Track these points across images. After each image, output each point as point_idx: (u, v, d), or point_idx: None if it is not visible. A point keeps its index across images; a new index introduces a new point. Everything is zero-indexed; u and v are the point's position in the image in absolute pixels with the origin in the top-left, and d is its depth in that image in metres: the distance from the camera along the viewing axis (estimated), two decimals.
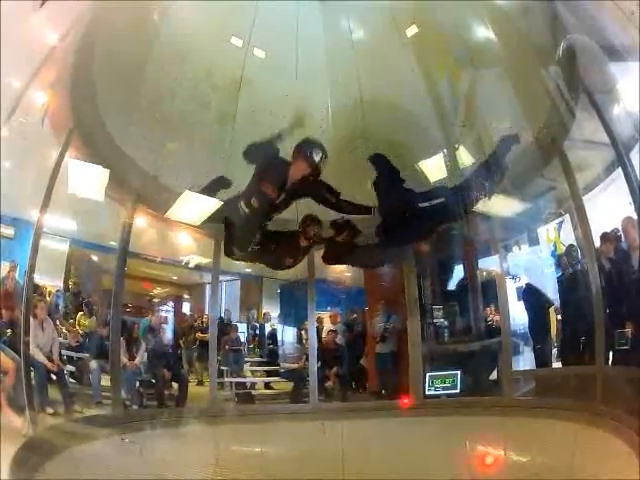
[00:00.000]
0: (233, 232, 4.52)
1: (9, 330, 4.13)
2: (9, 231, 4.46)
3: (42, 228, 4.45)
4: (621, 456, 3.24)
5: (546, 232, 5.15)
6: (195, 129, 4.74)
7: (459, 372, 5.11)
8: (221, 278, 5.81)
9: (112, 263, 5.03)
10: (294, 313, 6.24)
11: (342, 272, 5.85)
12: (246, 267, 6.26)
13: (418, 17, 4.60)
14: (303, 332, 5.98)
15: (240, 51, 4.82)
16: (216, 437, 4.80)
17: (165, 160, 4.69)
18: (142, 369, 5.20)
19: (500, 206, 4.67)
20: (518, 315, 5.15)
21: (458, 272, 5.77)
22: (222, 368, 5.66)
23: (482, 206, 4.47)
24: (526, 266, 5.32)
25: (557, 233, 5.06)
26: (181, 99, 4.64)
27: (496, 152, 4.37)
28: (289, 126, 4.16)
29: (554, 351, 4.96)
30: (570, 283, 4.78)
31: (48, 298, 5.00)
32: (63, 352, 4.76)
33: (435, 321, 5.60)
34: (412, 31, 4.64)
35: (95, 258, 5.55)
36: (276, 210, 4.32)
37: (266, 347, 6.29)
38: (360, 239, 4.73)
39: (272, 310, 6.45)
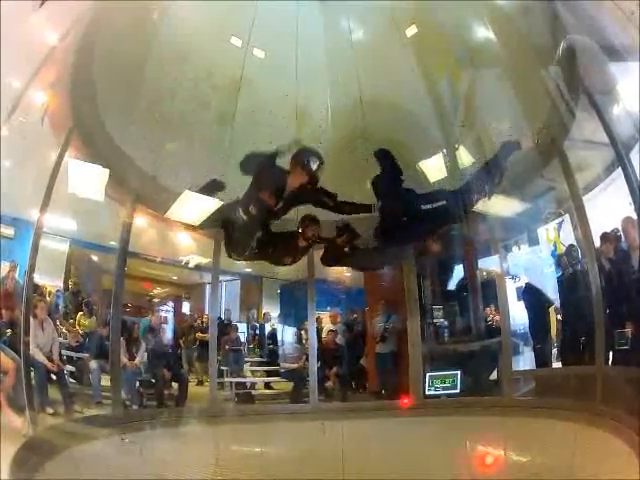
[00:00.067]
0: (231, 238, 4.53)
1: (9, 330, 4.13)
2: (9, 231, 4.47)
3: (42, 228, 4.45)
4: (621, 456, 3.23)
5: (546, 232, 5.15)
6: (195, 129, 4.75)
7: (459, 372, 5.11)
8: (221, 278, 5.82)
9: (112, 263, 5.02)
10: (294, 313, 6.24)
11: (342, 272, 5.85)
12: (246, 267, 6.28)
13: (418, 17, 4.60)
14: (303, 332, 5.99)
15: (240, 51, 4.82)
16: (216, 437, 4.80)
17: (165, 160, 4.70)
18: (142, 369, 5.21)
19: (500, 206, 4.66)
20: (518, 315, 5.15)
21: (458, 272, 5.77)
22: (222, 368, 5.68)
23: (482, 206, 4.45)
24: (526, 266, 5.32)
25: (557, 233, 5.06)
26: (181, 99, 4.65)
27: (497, 157, 4.37)
28: (287, 145, 4.14)
29: (554, 351, 4.96)
30: (570, 283, 4.79)
31: (48, 298, 5.00)
32: (63, 352, 4.77)
33: (435, 321, 5.61)
34: (412, 31, 4.65)
35: (95, 258, 5.56)
36: (274, 217, 4.33)
37: (266, 347, 6.30)
38: (359, 241, 4.72)
39: (272, 310, 6.47)
